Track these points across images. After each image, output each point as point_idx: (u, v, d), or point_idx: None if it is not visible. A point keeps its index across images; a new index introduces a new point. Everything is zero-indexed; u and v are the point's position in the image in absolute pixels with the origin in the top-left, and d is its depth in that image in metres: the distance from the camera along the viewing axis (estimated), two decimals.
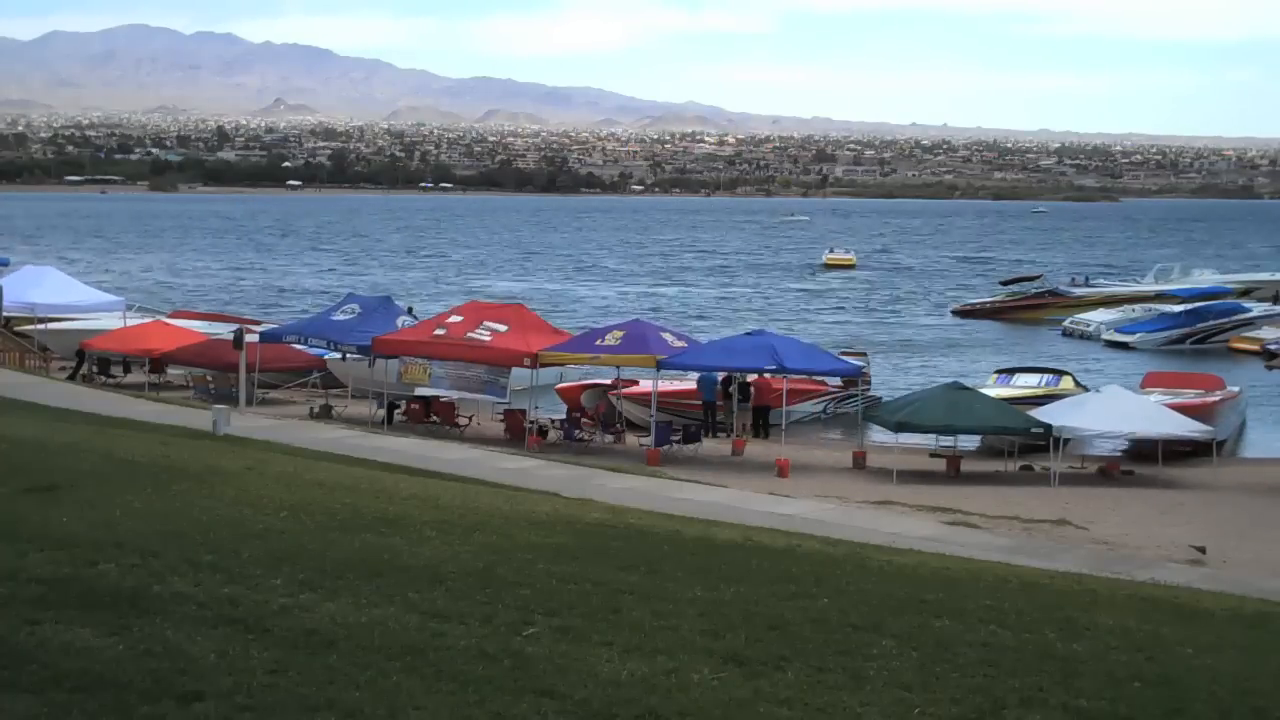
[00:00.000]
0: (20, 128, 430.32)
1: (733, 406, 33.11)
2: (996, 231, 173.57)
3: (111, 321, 41.31)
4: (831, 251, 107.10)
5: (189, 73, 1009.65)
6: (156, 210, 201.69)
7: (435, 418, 31.86)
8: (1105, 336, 56.55)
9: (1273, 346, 48.06)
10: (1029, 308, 66.25)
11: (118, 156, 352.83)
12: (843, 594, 11.66)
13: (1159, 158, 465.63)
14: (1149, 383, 35.38)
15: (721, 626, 9.96)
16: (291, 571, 10.85)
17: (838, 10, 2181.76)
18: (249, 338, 33.33)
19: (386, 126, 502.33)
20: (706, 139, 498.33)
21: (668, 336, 31.90)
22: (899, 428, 29.37)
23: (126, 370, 37.87)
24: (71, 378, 37.27)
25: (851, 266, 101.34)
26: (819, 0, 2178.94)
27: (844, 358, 34.96)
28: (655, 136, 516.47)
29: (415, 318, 35.77)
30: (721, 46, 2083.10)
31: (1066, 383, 35.25)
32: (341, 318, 34.09)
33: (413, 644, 8.95)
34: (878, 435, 31.93)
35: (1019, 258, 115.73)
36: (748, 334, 34.51)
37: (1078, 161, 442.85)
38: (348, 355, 34.18)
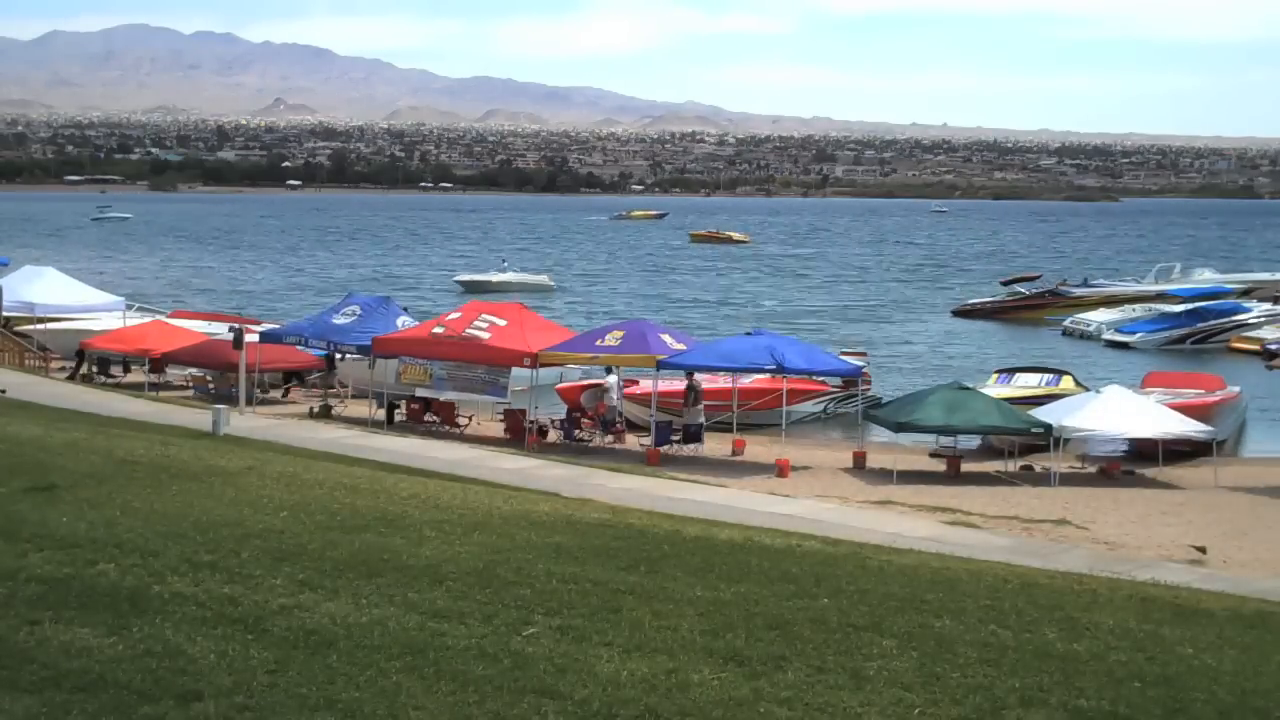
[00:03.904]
0: (20, 128, 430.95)
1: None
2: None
3: (111, 321, 41.32)
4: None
5: (189, 73, 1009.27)
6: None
7: (435, 417, 31.84)
8: (1105, 336, 56.51)
9: (1273, 346, 48.02)
10: (1029, 308, 66.25)
11: (117, 156, 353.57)
12: (843, 594, 11.64)
13: (1159, 158, 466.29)
14: (1149, 383, 35.32)
15: (721, 626, 9.95)
16: (291, 571, 10.86)
17: (855, 11, 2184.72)
18: (249, 338, 33.31)
19: (386, 126, 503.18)
20: (706, 139, 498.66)
21: (667, 337, 31.89)
22: (899, 428, 29.36)
23: (126, 370, 37.86)
24: (71, 378, 37.26)
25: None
26: (837, 2, 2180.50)
27: (844, 358, 34.96)
28: (655, 136, 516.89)
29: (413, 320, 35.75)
30: (732, 48, 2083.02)
31: (1066, 383, 35.20)
32: (341, 320, 34.05)
33: (413, 644, 8.96)
34: (878, 435, 31.90)
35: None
36: (748, 334, 34.47)
37: (1078, 161, 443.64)
38: (347, 355, 34.25)
